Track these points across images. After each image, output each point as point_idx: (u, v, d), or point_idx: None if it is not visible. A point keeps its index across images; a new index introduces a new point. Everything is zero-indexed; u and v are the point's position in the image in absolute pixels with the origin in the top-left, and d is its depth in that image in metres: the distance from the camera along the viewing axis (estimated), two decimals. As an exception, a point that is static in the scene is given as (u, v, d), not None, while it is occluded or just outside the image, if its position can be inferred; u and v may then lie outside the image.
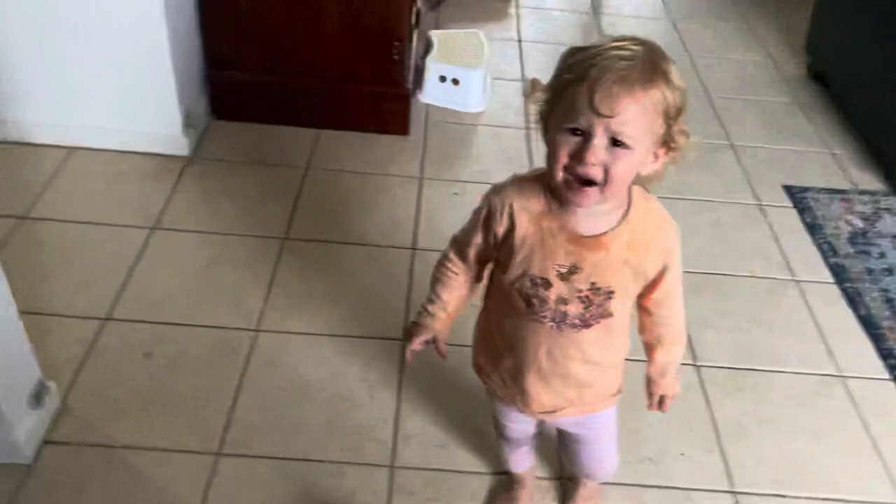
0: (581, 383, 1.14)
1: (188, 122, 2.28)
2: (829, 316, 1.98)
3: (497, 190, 1.07)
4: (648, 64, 0.90)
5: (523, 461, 1.42)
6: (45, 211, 2.03)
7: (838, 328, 1.95)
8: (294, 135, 2.42)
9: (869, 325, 1.96)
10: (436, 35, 2.79)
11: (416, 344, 1.18)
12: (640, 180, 0.99)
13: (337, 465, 1.51)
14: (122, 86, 2.17)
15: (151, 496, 1.42)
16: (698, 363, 1.80)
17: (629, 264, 1.03)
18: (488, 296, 1.18)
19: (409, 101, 2.46)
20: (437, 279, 1.19)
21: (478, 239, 1.10)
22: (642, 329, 1.17)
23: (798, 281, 2.08)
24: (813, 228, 2.27)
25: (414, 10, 2.60)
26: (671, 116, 0.93)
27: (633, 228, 1.02)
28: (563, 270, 1.02)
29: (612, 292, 1.03)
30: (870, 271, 2.12)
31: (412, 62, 2.55)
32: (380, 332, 1.80)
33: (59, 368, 1.61)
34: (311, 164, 2.32)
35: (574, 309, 1.04)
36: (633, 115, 0.89)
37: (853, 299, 2.03)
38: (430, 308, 1.18)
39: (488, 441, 1.58)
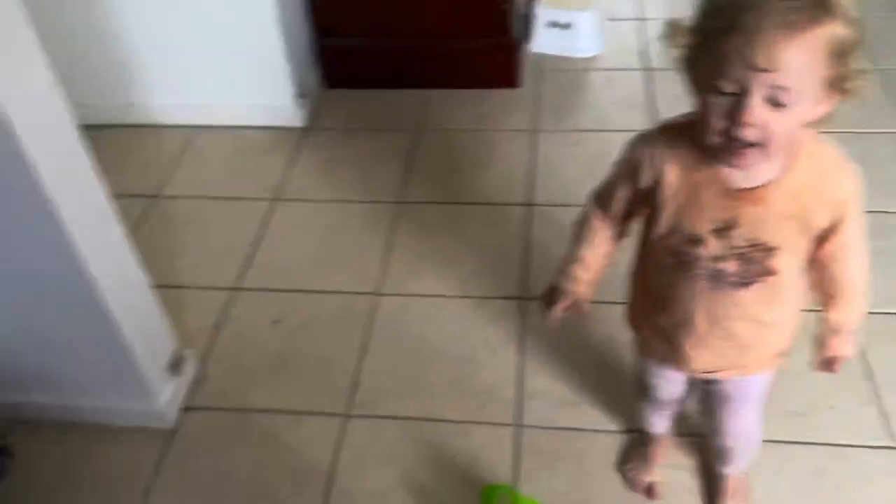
0: (743, 344, 1.04)
1: (301, 93, 2.30)
2: None
3: (643, 139, 0.98)
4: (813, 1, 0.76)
5: (663, 422, 1.35)
6: (175, 189, 2.12)
7: None
8: (404, 98, 2.40)
9: None
10: (543, -20, 2.67)
11: (559, 311, 1.12)
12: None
13: (462, 424, 1.50)
14: (236, 62, 2.22)
15: (286, 456, 1.47)
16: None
17: (795, 218, 0.91)
18: (640, 249, 1.08)
19: (517, 52, 2.38)
20: (577, 237, 1.10)
21: (622, 192, 1.02)
22: (813, 284, 1.04)
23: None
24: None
25: (518, -44, 2.50)
26: (843, 55, 0.79)
27: (798, 177, 0.89)
28: (718, 226, 0.92)
29: (774, 249, 0.93)
30: None
31: (519, 11, 2.46)
32: (499, 291, 1.77)
33: (195, 338, 1.68)
34: (422, 126, 2.30)
35: (731, 267, 0.94)
36: (797, 66, 0.77)
37: None
38: (571, 270, 1.10)
39: (616, 398, 1.52)
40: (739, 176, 0.90)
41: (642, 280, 1.10)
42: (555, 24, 2.53)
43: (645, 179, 0.96)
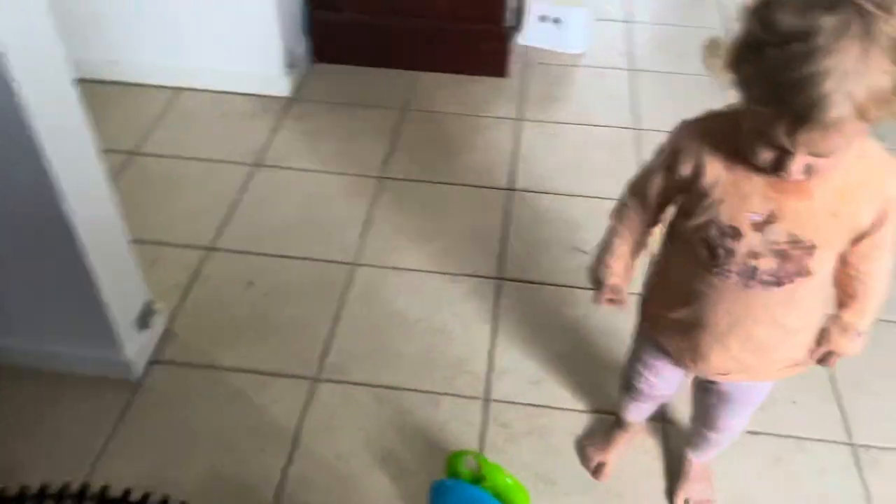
0: (761, 347, 1.02)
1: (290, 63, 2.29)
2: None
3: (686, 126, 0.95)
4: (862, 66, 0.70)
5: (641, 413, 1.35)
6: (154, 147, 2.09)
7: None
8: (392, 77, 2.40)
9: None
10: (537, -25, 2.70)
11: (603, 301, 1.12)
12: None
13: (431, 395, 1.51)
14: (227, 27, 2.20)
15: (252, 415, 1.46)
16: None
17: (838, 216, 0.88)
18: (668, 241, 1.06)
19: (507, 42, 2.40)
20: (612, 228, 1.09)
21: (659, 180, 0.99)
22: (836, 281, 1.01)
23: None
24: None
25: (515, -53, 2.52)
26: (888, 97, 0.74)
27: (845, 174, 0.85)
28: (759, 219, 0.89)
29: (813, 247, 0.89)
30: None
31: (512, 1, 2.48)
32: (475, 269, 1.77)
33: (165, 294, 1.66)
34: (409, 105, 2.30)
35: (766, 264, 0.91)
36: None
37: None
38: (606, 261, 1.09)
39: (583, 379, 1.54)
40: None
41: (666, 270, 1.08)
42: (545, 19, 2.55)
43: (685, 168, 0.93)
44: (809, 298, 0.98)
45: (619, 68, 2.50)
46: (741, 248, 0.91)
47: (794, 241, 0.89)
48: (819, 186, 0.86)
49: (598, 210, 1.14)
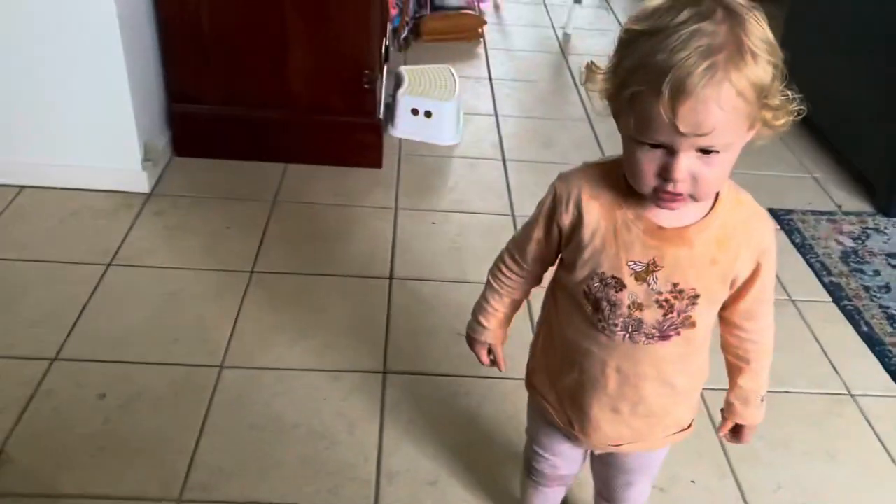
0: (652, 412, 0.98)
1: (148, 157, 2.15)
2: (830, 335, 1.89)
3: (563, 177, 0.93)
4: (734, 47, 0.73)
5: (546, 501, 1.25)
6: (-10, 250, 1.87)
7: (841, 346, 1.85)
8: (261, 169, 2.31)
9: (872, 342, 1.86)
10: (406, 70, 2.73)
11: (483, 358, 1.12)
12: None
13: (314, 508, 1.35)
14: (80, 122, 2.05)
15: (101, 552, 1.25)
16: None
17: (718, 264, 0.88)
18: (550, 302, 1.03)
19: (380, 132, 2.38)
20: (489, 284, 1.07)
21: (539, 234, 0.97)
22: (725, 346, 1.00)
23: (795, 301, 1.99)
24: (803, 249, 2.19)
25: (383, 44, 2.55)
26: (768, 91, 0.77)
27: (723, 222, 0.87)
28: (639, 268, 0.88)
29: (697, 296, 0.88)
30: (867, 289, 2.04)
31: (382, 96, 2.48)
32: (357, 365, 1.66)
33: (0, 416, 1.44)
34: (278, 197, 2.20)
35: (651, 316, 0.90)
36: (725, 126, 0.75)
37: (853, 317, 1.94)
38: (481, 319, 1.08)
39: (483, 474, 1.44)
40: (664, 215, 0.87)
41: (550, 333, 1.04)
42: (417, 112, 2.56)
43: (565, 217, 0.92)
44: (695, 356, 0.97)
45: (492, 158, 2.53)
46: (625, 299, 0.89)
47: (677, 291, 0.88)
48: (698, 233, 0.87)
49: (480, 294, 1.09)
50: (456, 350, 1.70)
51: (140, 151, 2.12)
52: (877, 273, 2.11)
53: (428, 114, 2.55)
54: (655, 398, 0.97)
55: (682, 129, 0.74)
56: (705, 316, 0.91)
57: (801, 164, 2.66)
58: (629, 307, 0.90)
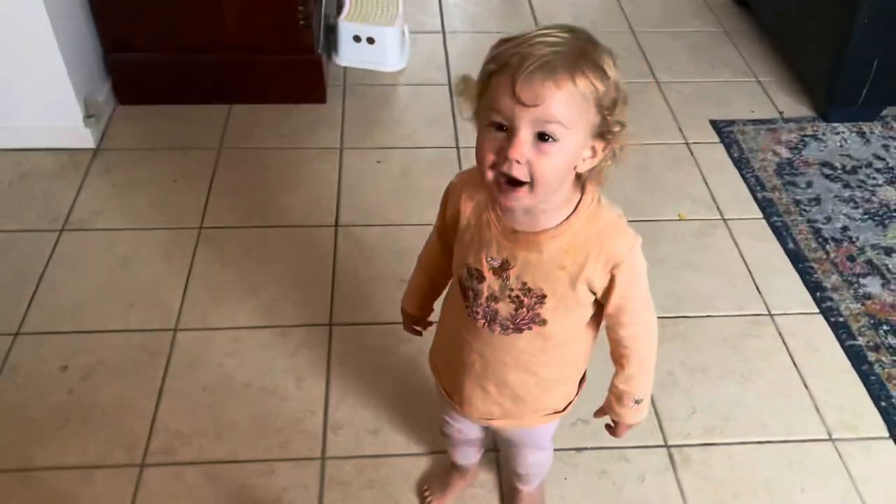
0: (518, 396, 1.08)
1: (90, 112, 2.16)
2: (758, 254, 1.98)
3: (458, 176, 1.06)
4: (576, 51, 0.83)
5: (466, 457, 1.39)
6: (-57, 223, 1.93)
7: (767, 265, 1.95)
8: (204, 113, 2.32)
9: (797, 259, 1.96)
10: (347, -7, 2.67)
11: (411, 330, 1.27)
12: (581, 178, 0.93)
13: (266, 462, 1.49)
14: (11, 81, 2.04)
15: (75, 518, 1.39)
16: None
17: (566, 269, 0.95)
18: (450, 286, 1.14)
19: (321, 68, 2.36)
20: (418, 259, 1.20)
21: (439, 221, 1.10)
22: (610, 350, 1.07)
23: (727, 220, 2.07)
24: (740, 163, 2.25)
25: (320, -31, 2.48)
26: (605, 107, 0.86)
27: (576, 232, 0.94)
28: (496, 264, 0.98)
29: (544, 296, 0.97)
30: (797, 203, 2.12)
31: (321, 25, 2.45)
32: (305, 319, 1.76)
33: (-31, 393, 1.55)
34: (223, 143, 2.23)
35: (505, 309, 0.99)
36: (559, 103, 0.82)
37: (781, 234, 2.02)
38: (407, 294, 1.23)
39: (422, 420, 1.56)
40: (520, 220, 0.95)
41: (442, 315, 1.16)
42: (359, 39, 2.53)
43: (450, 210, 1.04)
44: (558, 350, 1.04)
45: (438, 84, 2.53)
46: (484, 290, 1.00)
47: (526, 289, 0.98)
48: (548, 239, 0.94)
49: (426, 238, 1.18)
50: (399, 297, 1.79)
51: (81, 108, 2.13)
52: (809, 185, 2.18)
53: (371, 40, 2.52)
54: (520, 385, 1.07)
55: (521, 97, 0.82)
56: (557, 315, 0.99)
57: (749, 68, 2.66)
58: (487, 298, 1.00)
